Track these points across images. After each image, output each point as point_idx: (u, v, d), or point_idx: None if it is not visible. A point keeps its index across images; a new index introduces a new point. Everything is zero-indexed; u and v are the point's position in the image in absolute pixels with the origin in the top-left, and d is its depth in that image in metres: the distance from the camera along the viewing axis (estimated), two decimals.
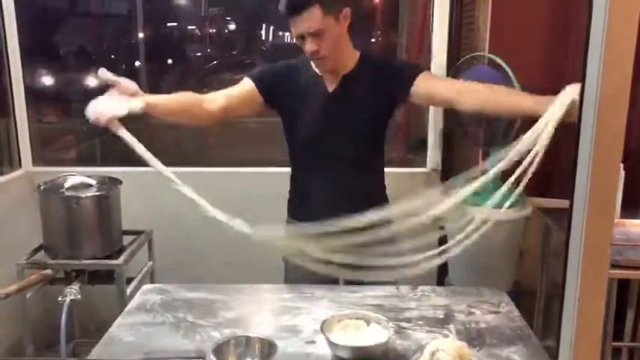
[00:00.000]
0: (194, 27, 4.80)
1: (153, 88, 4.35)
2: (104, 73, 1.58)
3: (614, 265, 1.90)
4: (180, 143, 3.64)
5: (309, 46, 1.73)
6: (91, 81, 4.01)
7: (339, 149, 1.84)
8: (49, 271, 2.30)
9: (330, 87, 1.84)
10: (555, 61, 2.59)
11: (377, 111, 1.85)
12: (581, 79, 1.00)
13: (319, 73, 1.85)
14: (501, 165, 1.46)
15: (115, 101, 1.56)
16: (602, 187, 1.01)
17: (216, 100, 1.82)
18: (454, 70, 2.58)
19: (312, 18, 1.68)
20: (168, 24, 4.67)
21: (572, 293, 1.04)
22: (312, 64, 1.84)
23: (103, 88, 1.60)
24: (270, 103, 1.88)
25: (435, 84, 1.80)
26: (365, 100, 1.82)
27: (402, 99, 1.83)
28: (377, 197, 1.95)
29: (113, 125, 1.56)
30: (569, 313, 1.05)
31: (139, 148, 1.58)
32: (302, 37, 1.73)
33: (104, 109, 1.55)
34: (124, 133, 1.57)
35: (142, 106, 1.58)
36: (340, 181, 1.86)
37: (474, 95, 1.69)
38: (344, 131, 1.82)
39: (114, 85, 1.59)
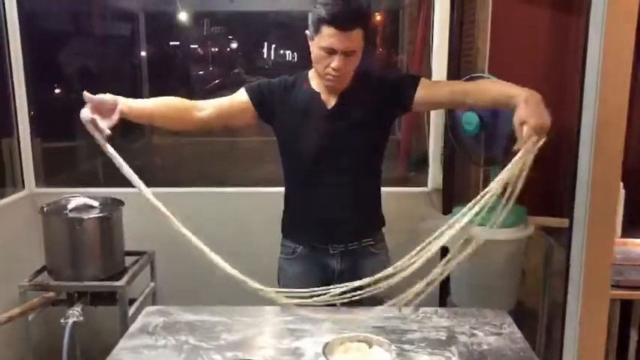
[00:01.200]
0: (196, 46, 4.85)
1: None
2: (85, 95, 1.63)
3: (616, 286, 1.89)
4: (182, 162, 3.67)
5: (338, 63, 1.71)
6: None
7: (338, 165, 1.84)
8: (51, 294, 2.30)
9: (329, 104, 1.84)
10: (556, 82, 2.61)
11: (376, 126, 1.86)
12: (579, 99, 1.02)
13: (316, 90, 1.85)
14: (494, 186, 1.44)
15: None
16: (602, 208, 1.02)
17: (206, 108, 1.83)
18: None
19: (356, 38, 1.70)
20: (171, 43, 4.72)
21: (574, 314, 1.05)
22: (317, 79, 1.83)
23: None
24: (264, 119, 1.89)
25: (437, 88, 1.84)
26: (364, 116, 1.82)
27: (406, 109, 1.85)
28: (373, 215, 1.96)
29: (100, 140, 1.60)
30: (571, 334, 1.06)
31: (124, 167, 1.63)
32: (331, 52, 1.71)
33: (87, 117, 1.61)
34: (110, 150, 1.61)
35: (117, 117, 1.63)
36: (337, 198, 1.86)
37: (480, 91, 1.74)
38: (344, 147, 1.83)
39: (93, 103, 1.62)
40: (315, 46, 1.75)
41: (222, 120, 1.87)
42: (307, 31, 1.76)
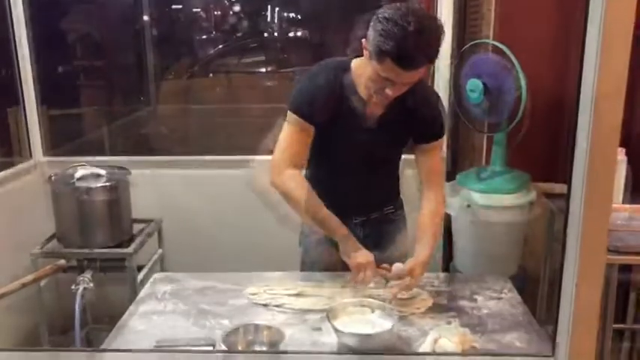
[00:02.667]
0: (199, 9, 4.82)
1: (159, 72, 4.40)
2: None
3: (615, 251, 1.92)
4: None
5: (395, 92, 1.60)
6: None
7: (367, 162, 1.81)
8: (63, 262, 2.35)
9: (371, 117, 1.74)
10: (561, 47, 2.59)
11: (407, 138, 1.83)
12: (579, 67, 1.02)
13: (363, 98, 1.72)
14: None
15: None
16: (600, 173, 1.04)
17: (300, 162, 1.76)
18: (458, 57, 2.58)
19: (421, 72, 1.58)
20: (174, 7, 4.69)
21: (570, 277, 1.08)
22: (366, 95, 1.71)
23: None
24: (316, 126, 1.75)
25: (428, 160, 1.81)
26: (400, 134, 1.79)
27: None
28: (394, 188, 1.97)
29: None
30: (567, 295, 1.09)
31: None
32: (389, 80, 1.57)
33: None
34: None
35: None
36: (362, 180, 1.84)
37: (425, 195, 1.81)
38: (375, 152, 1.80)
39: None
40: (372, 68, 1.58)
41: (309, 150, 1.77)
42: (364, 41, 1.58)
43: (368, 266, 1.65)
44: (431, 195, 1.81)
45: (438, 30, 1.53)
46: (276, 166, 1.72)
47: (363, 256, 1.66)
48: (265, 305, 1.66)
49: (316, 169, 1.91)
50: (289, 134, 1.73)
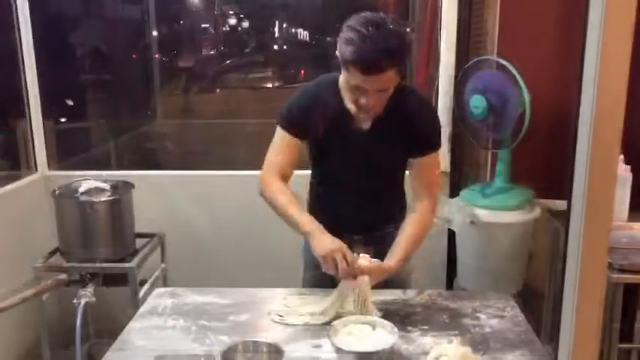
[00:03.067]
0: (207, 25, 4.86)
1: (164, 86, 4.44)
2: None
3: (621, 270, 1.90)
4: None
5: (368, 101, 1.61)
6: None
7: (369, 175, 1.82)
8: (64, 276, 2.36)
9: (365, 124, 1.76)
10: (564, 62, 2.59)
11: (408, 144, 1.81)
12: (578, 81, 1.02)
13: (350, 109, 1.72)
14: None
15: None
16: (600, 187, 1.03)
17: (286, 172, 1.78)
18: (462, 73, 2.58)
19: (388, 78, 1.57)
20: (182, 22, 4.73)
21: (570, 296, 1.07)
22: (350, 106, 1.71)
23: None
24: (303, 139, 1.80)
25: (423, 171, 1.81)
26: (398, 137, 1.77)
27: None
28: (398, 205, 1.96)
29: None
30: (568, 315, 1.08)
31: None
32: (360, 89, 1.61)
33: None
34: None
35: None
36: (365, 198, 1.84)
37: (417, 206, 1.81)
38: (376, 162, 1.80)
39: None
40: (344, 78, 1.65)
41: (297, 162, 1.81)
42: (337, 53, 1.62)
43: (337, 252, 1.57)
44: (422, 206, 1.80)
45: (400, 36, 1.56)
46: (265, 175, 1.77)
47: (330, 243, 1.59)
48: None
49: (316, 182, 1.93)
50: (278, 147, 1.78)
